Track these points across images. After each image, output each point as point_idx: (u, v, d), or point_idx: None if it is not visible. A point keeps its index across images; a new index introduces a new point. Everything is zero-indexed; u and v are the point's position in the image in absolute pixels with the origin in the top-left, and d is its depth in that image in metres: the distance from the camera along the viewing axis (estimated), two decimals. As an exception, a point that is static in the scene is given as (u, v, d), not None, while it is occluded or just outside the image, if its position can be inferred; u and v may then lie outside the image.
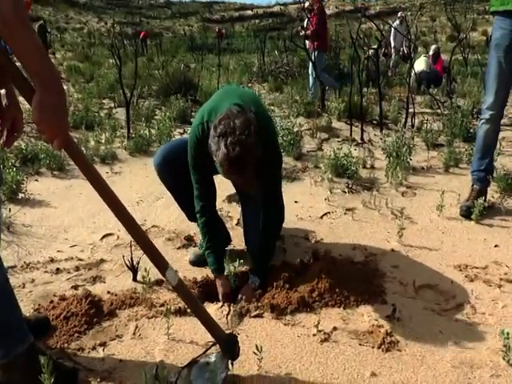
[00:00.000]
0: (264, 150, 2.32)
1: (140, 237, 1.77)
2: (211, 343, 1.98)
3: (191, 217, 2.97)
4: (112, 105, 8.36)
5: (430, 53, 11.54)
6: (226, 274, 2.65)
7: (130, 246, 2.86)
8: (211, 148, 2.20)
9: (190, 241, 3.24)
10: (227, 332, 2.01)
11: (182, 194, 2.90)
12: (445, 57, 12.12)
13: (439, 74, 10.50)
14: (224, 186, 3.16)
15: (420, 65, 10.30)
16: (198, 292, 2.60)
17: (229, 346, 1.94)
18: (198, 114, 2.68)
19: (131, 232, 1.75)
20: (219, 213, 3.28)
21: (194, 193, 2.68)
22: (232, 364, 1.95)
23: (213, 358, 1.93)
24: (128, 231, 1.74)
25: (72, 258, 3.03)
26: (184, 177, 2.69)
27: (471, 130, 5.61)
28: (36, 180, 4.61)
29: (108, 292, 2.62)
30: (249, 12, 45.54)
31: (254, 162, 2.20)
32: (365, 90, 8.07)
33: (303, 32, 8.97)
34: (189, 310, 2.38)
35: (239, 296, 2.57)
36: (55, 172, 4.79)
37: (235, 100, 2.48)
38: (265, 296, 2.54)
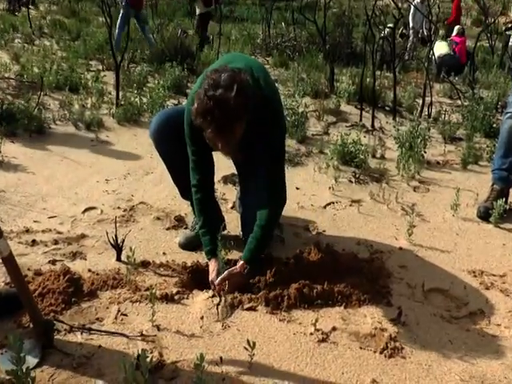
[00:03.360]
0: (264, 118, 2.42)
1: None
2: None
3: (185, 193, 2.95)
4: (100, 67, 8.25)
5: (454, 32, 11.50)
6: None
7: (115, 223, 2.83)
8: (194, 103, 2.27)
9: (180, 222, 3.21)
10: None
11: (178, 166, 2.84)
12: (469, 43, 12.08)
13: (461, 61, 10.46)
14: (219, 166, 3.11)
15: (442, 48, 10.24)
16: (187, 278, 2.59)
17: (45, 331, 2.03)
18: (198, 79, 2.66)
19: None
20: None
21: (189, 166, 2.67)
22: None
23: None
24: None
25: (50, 230, 3.02)
26: (183, 148, 2.67)
27: (494, 125, 5.59)
28: (12, 141, 4.56)
29: (89, 270, 2.61)
30: (255, -23, 45.20)
31: (232, 120, 2.23)
32: (378, 72, 8.03)
33: None
34: (176, 297, 2.39)
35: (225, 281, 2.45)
36: (33, 135, 4.75)
37: (239, 65, 2.46)
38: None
